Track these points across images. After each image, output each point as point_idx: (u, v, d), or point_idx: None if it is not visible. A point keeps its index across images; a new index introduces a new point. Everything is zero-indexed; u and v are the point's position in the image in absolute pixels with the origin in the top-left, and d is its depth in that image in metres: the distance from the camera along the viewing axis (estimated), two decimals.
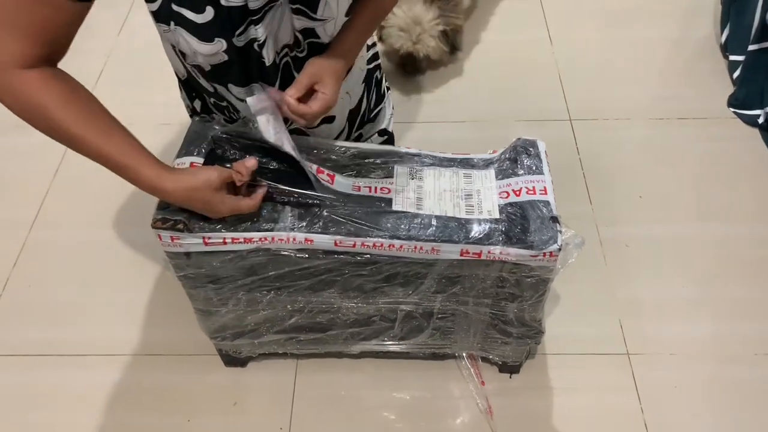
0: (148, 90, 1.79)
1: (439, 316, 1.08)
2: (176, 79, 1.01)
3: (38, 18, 0.71)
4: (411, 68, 1.79)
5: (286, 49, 0.89)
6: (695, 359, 1.26)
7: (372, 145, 1.05)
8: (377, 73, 1.15)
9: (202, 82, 0.93)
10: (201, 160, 0.95)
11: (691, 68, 1.82)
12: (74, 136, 0.76)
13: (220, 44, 0.82)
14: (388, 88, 1.22)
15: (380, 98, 1.18)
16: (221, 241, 0.89)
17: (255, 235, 0.88)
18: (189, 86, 0.99)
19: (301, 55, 0.92)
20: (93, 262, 1.46)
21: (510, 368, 1.24)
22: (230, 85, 0.91)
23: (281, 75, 0.92)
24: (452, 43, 1.75)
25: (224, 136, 0.97)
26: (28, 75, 0.73)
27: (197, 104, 1.02)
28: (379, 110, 1.19)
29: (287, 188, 0.91)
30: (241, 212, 0.87)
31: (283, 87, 0.90)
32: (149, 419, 1.21)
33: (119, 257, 1.47)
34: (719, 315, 1.32)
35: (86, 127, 0.76)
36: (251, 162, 0.86)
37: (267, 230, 0.88)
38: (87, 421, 1.22)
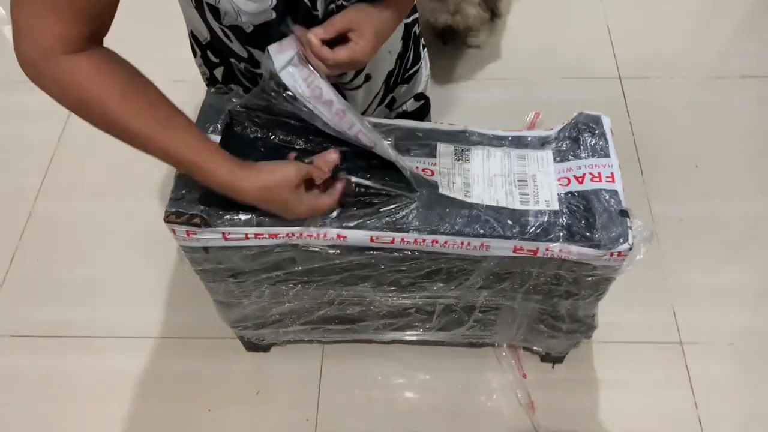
0: (158, 45, 1.65)
1: (482, 309, 0.98)
2: (190, 41, 0.87)
3: None
4: (450, 40, 1.61)
5: None
6: (756, 352, 1.16)
7: (406, 122, 0.92)
8: (415, 27, 1.00)
9: (234, 46, 0.80)
10: (217, 138, 0.83)
11: (757, 18, 1.63)
12: (134, 132, 0.66)
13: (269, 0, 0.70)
14: (424, 47, 1.08)
15: (417, 57, 1.04)
16: (243, 236, 0.78)
17: (281, 230, 0.77)
18: (213, 51, 0.86)
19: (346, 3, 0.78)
20: (104, 236, 1.37)
21: (553, 359, 1.15)
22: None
23: None
24: (492, 8, 1.56)
25: (243, 110, 0.85)
26: (79, 62, 0.63)
27: (218, 72, 0.89)
28: (416, 71, 1.05)
29: (369, 182, 0.78)
30: (321, 212, 0.77)
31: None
32: (167, 409, 1.15)
33: (132, 230, 1.37)
34: None
35: (148, 121, 0.66)
36: (333, 156, 0.76)
37: (295, 225, 0.77)
38: (98, 409, 1.15)
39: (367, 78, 0.92)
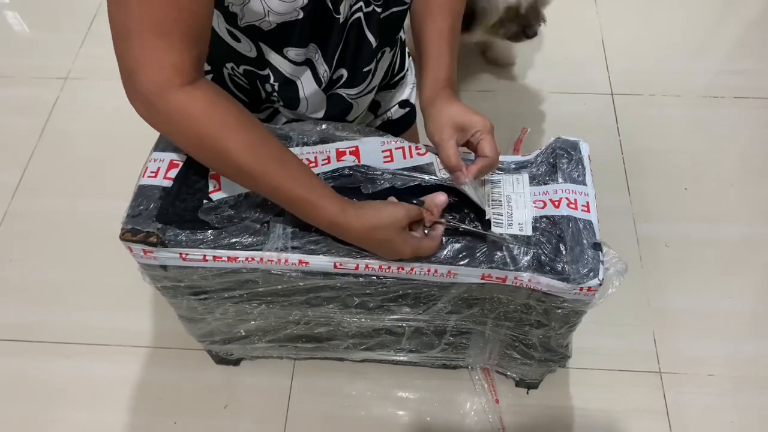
0: None
1: (453, 333, 0.96)
2: None
3: (184, 12, 0.58)
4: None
5: (360, 3, 0.76)
6: (737, 384, 1.13)
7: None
8: (401, 34, 0.98)
9: (241, 46, 0.77)
10: (183, 158, 0.80)
11: (753, 38, 1.60)
12: (248, 168, 0.65)
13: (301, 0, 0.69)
14: (409, 55, 1.06)
15: (403, 65, 1.02)
16: (201, 257, 0.76)
17: (240, 254, 0.75)
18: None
19: (378, 9, 0.78)
20: (80, 237, 1.34)
21: (528, 384, 1.12)
22: (287, 48, 0.76)
23: (346, 34, 0.78)
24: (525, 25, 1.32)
25: None
26: (194, 96, 0.61)
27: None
28: (401, 77, 1.03)
29: (469, 227, 0.77)
30: (422, 255, 0.75)
31: (347, 49, 0.79)
32: (132, 419, 1.12)
33: (109, 232, 1.33)
34: None
35: (262, 157, 0.65)
36: (441, 198, 0.76)
37: (255, 249, 0.75)
38: (63, 416, 1.13)
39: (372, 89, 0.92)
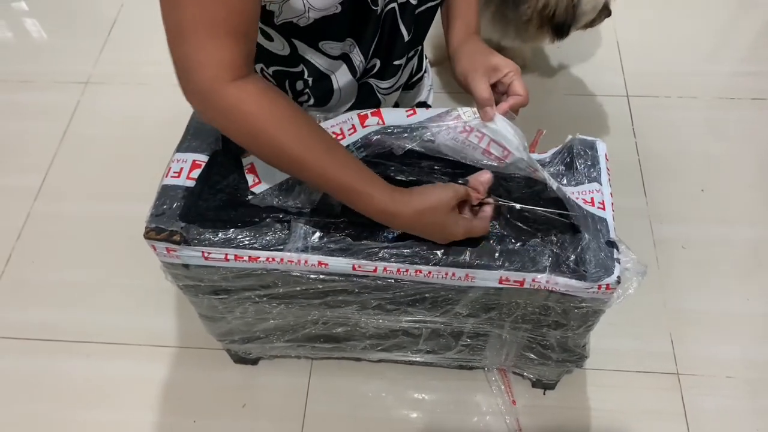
0: (161, 48, 1.64)
1: (470, 335, 0.96)
2: None
3: (234, 11, 0.60)
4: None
5: None
6: (756, 386, 1.12)
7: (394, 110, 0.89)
8: None
9: (274, 45, 0.78)
10: (205, 158, 0.82)
11: None
12: (301, 159, 0.66)
13: None
14: (426, 57, 1.07)
15: (420, 66, 1.03)
16: (223, 257, 0.77)
17: (261, 254, 0.76)
18: None
19: (414, 2, 0.79)
20: (101, 238, 1.36)
21: (544, 385, 1.12)
22: (323, 42, 0.77)
23: (382, 26, 0.79)
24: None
25: None
26: (245, 90, 0.63)
27: None
28: (419, 79, 1.04)
29: (520, 205, 0.77)
30: (475, 235, 0.75)
31: (382, 40, 0.81)
32: (152, 417, 1.14)
33: (129, 234, 1.35)
34: None
35: (314, 149, 0.67)
36: (487, 176, 0.75)
37: (276, 249, 0.76)
38: (85, 414, 1.15)
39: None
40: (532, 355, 0.98)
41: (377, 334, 0.98)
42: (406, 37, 0.84)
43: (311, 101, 0.86)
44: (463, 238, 0.74)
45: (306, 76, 0.82)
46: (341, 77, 0.84)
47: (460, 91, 0.81)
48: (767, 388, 1.12)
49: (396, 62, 0.87)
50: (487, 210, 0.76)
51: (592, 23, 1.28)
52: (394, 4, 0.79)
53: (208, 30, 0.60)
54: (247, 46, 0.64)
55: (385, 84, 0.89)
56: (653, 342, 1.17)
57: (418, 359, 1.07)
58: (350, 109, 0.90)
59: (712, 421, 1.09)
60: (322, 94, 0.85)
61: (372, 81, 0.88)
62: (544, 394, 1.13)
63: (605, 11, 1.27)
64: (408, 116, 0.80)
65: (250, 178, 0.80)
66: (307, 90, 0.85)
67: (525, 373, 1.09)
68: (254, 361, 1.17)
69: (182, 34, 0.60)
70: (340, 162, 0.68)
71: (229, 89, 0.62)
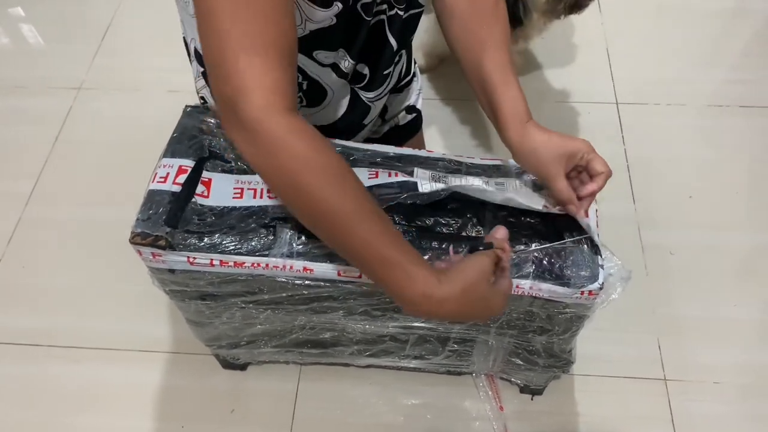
0: (154, 54, 1.65)
1: (456, 341, 0.96)
2: (194, 64, 0.86)
3: (278, 30, 0.56)
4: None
5: (384, 5, 0.77)
6: (744, 392, 1.13)
7: (387, 147, 0.90)
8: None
9: None
10: (191, 163, 0.82)
11: (759, 47, 1.60)
12: (341, 222, 0.58)
13: (337, 7, 0.69)
14: (414, 62, 1.08)
15: (408, 70, 1.03)
16: (208, 262, 0.77)
17: (247, 259, 0.76)
18: None
19: (401, 12, 0.79)
20: (92, 244, 1.36)
21: (532, 390, 1.12)
22: (317, 52, 0.77)
23: (369, 37, 0.79)
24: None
25: (220, 129, 0.85)
26: (295, 126, 0.56)
27: None
28: (407, 82, 1.04)
29: (537, 246, 0.77)
30: (508, 296, 0.69)
31: (371, 52, 0.81)
32: (141, 423, 1.14)
33: (119, 239, 1.36)
34: None
35: (358, 212, 0.59)
36: (503, 232, 0.70)
37: (261, 255, 0.76)
38: (73, 420, 1.15)
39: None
40: (519, 361, 0.99)
41: (365, 340, 0.99)
42: (395, 47, 0.85)
43: (304, 102, 0.87)
44: (504, 305, 0.67)
45: (300, 80, 0.82)
46: (331, 80, 0.84)
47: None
48: (755, 393, 1.13)
49: (385, 71, 0.88)
50: (506, 263, 0.69)
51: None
52: (383, 17, 0.80)
53: (252, 50, 0.54)
54: (293, 70, 0.58)
55: (372, 94, 0.90)
56: (641, 348, 1.18)
57: (406, 365, 1.07)
58: (343, 119, 0.90)
59: (699, 427, 1.10)
60: (315, 96, 0.86)
61: (360, 93, 0.89)
62: (531, 399, 1.13)
63: None
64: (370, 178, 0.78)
65: (200, 188, 0.79)
66: (300, 93, 0.85)
67: (513, 379, 1.09)
68: (243, 367, 1.17)
69: (224, 58, 0.55)
70: (388, 232, 0.60)
71: (280, 119, 0.55)
